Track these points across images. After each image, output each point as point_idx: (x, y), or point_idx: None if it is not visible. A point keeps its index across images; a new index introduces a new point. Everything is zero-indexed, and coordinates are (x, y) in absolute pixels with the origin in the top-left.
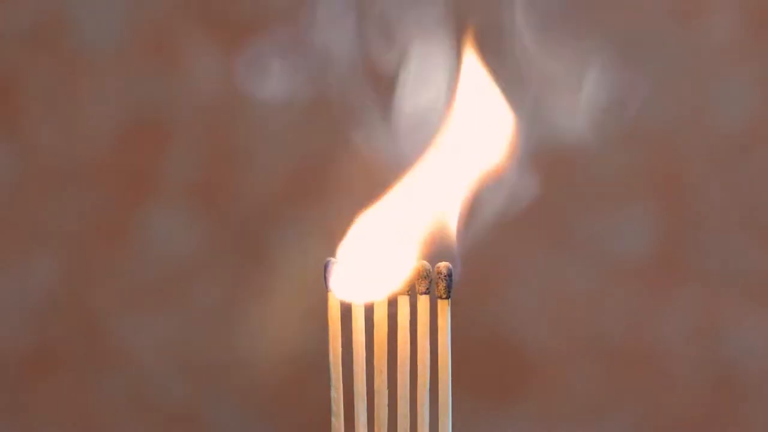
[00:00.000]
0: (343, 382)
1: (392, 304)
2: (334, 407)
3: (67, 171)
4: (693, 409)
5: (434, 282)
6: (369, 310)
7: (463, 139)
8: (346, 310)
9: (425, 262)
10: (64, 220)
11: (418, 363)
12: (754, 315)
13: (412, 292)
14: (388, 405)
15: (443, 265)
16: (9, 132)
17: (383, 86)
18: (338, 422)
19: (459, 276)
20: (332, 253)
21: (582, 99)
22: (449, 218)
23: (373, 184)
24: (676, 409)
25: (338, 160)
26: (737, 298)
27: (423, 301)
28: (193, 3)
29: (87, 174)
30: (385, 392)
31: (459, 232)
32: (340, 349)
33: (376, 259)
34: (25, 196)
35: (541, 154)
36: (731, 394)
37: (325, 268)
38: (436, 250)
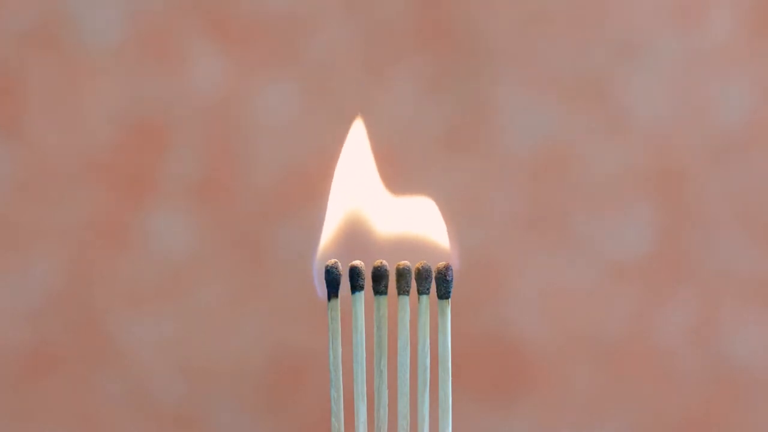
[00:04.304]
0: (343, 382)
1: (392, 304)
2: (334, 407)
3: (67, 171)
4: (693, 409)
5: (434, 282)
6: (369, 310)
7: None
8: (346, 310)
9: (425, 262)
10: (64, 220)
11: (418, 363)
12: (754, 315)
13: (412, 291)
14: (388, 405)
15: (442, 265)
16: (9, 132)
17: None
18: (338, 422)
19: (456, 275)
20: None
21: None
22: (439, 219)
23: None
24: (676, 409)
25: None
26: (737, 298)
27: (423, 301)
28: (193, 3)
29: (87, 174)
30: (385, 392)
31: (451, 232)
32: (340, 349)
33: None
34: (26, 196)
35: (541, 154)
36: (731, 394)
37: (326, 272)
38: (432, 250)
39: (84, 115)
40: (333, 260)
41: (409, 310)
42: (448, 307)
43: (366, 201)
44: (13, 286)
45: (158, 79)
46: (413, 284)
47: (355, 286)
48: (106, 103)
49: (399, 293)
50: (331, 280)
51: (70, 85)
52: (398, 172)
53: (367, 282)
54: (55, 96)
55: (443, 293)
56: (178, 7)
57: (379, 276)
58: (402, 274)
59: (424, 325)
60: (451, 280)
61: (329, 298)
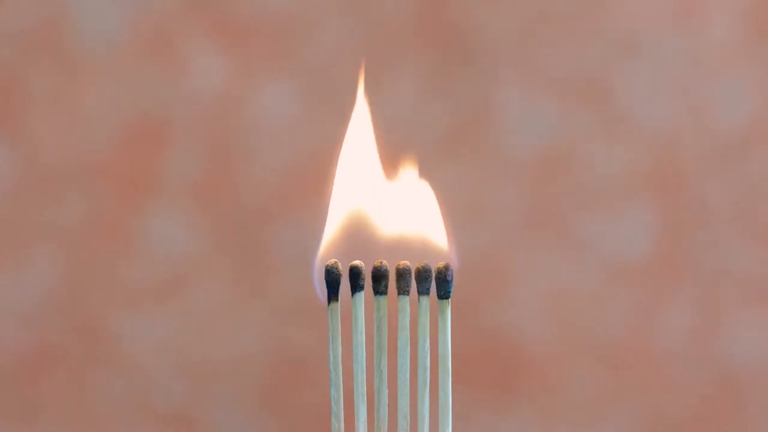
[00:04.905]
0: (343, 382)
1: (392, 304)
2: (334, 407)
3: (67, 171)
4: (693, 409)
5: (433, 282)
6: (369, 310)
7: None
8: (346, 311)
9: (425, 262)
10: (64, 220)
11: (418, 363)
12: (753, 315)
13: (412, 291)
14: (388, 405)
15: (442, 265)
16: (9, 132)
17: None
18: (338, 422)
19: (456, 275)
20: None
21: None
22: (437, 217)
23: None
24: (676, 409)
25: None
26: (737, 298)
27: (423, 303)
28: (193, 3)
29: (87, 174)
30: (385, 392)
31: (449, 230)
32: (340, 349)
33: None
34: (25, 196)
35: (541, 155)
36: (731, 394)
37: (326, 272)
38: (432, 250)
39: (84, 115)
40: (333, 260)
41: (410, 310)
42: (448, 307)
43: (368, 198)
44: (13, 286)
45: (158, 79)
46: (413, 284)
47: (355, 286)
48: (106, 103)
49: (399, 293)
50: (331, 280)
51: (70, 85)
52: (397, 172)
53: (367, 282)
54: (56, 96)
55: (443, 293)
56: (178, 8)
57: (379, 276)
58: (402, 274)
59: (424, 326)
60: (451, 280)
61: (329, 301)
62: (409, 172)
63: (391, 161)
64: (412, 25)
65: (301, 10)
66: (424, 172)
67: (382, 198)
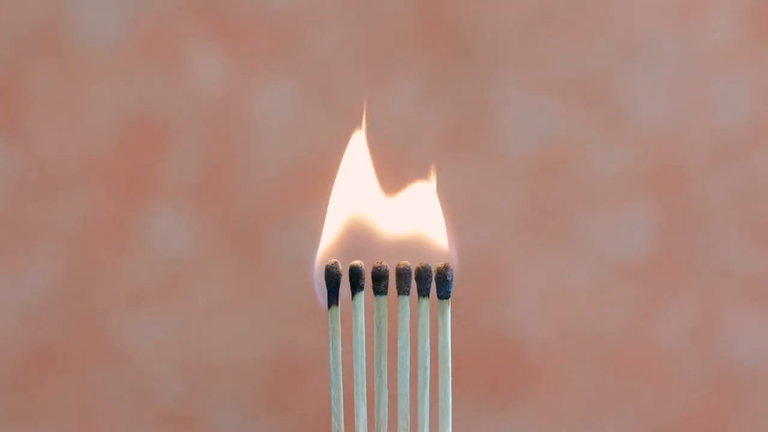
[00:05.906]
0: (343, 382)
1: (392, 304)
2: (334, 407)
3: (67, 171)
4: (693, 408)
5: (433, 282)
6: (369, 311)
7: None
8: (346, 311)
9: (425, 263)
10: (64, 221)
11: (418, 363)
12: (753, 315)
13: (412, 292)
14: (388, 405)
15: (442, 265)
16: (9, 132)
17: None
18: (338, 422)
19: (456, 275)
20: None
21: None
22: (439, 218)
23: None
24: (676, 409)
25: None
26: (737, 298)
27: (423, 301)
28: (193, 3)
29: (87, 174)
30: (385, 392)
31: (449, 231)
32: (340, 349)
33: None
34: (25, 196)
35: (541, 154)
36: (731, 394)
37: (326, 272)
38: (431, 250)
39: (84, 115)
40: (333, 260)
41: (409, 310)
42: (448, 307)
43: (366, 202)
44: (13, 286)
45: (158, 79)
46: (413, 285)
47: (355, 286)
48: (106, 103)
49: (399, 293)
50: (331, 280)
51: (70, 85)
52: (398, 173)
53: (367, 282)
54: (56, 96)
55: (443, 293)
56: (178, 7)
57: (379, 276)
58: (402, 275)
59: (424, 326)
60: (451, 281)
61: (329, 305)
62: (409, 172)
63: (391, 161)
64: (412, 25)
65: (301, 10)
66: (425, 172)
67: (382, 198)
